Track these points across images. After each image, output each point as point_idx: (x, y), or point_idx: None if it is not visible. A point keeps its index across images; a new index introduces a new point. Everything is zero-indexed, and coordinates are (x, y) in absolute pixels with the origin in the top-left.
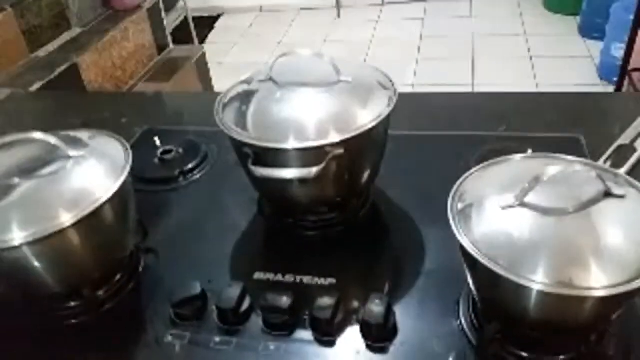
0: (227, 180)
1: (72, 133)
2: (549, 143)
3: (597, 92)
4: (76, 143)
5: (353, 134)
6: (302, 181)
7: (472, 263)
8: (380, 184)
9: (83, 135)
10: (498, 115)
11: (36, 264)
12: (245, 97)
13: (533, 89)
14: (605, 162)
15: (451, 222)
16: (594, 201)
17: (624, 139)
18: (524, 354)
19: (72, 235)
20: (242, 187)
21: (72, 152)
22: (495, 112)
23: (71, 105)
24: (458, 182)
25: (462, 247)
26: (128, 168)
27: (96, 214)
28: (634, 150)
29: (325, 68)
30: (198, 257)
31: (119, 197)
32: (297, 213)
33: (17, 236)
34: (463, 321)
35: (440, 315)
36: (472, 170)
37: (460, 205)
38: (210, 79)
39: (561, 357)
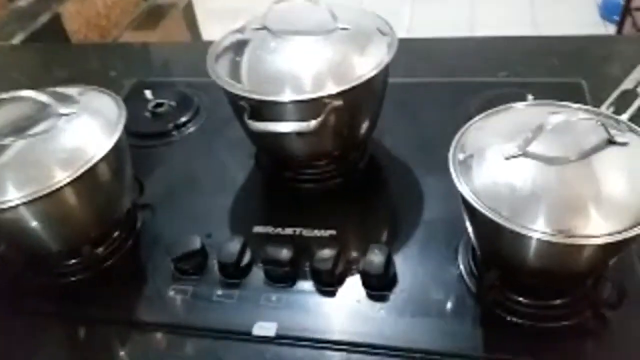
0: (221, 133)
1: (61, 89)
2: (550, 88)
3: (599, 34)
4: (67, 100)
5: (352, 84)
6: (300, 134)
7: (473, 213)
8: (377, 134)
9: (73, 91)
10: (498, 60)
11: (33, 223)
12: (239, 47)
13: (532, 29)
14: (608, 108)
15: (452, 172)
16: (596, 149)
17: (627, 84)
18: (521, 299)
19: (69, 194)
20: (237, 140)
21: (64, 110)
22: (494, 57)
23: (57, 58)
24: (459, 132)
25: (462, 198)
26: (122, 124)
27: (92, 171)
28: (637, 95)
29: (322, 15)
30: (196, 211)
31: (114, 154)
32: (295, 166)
33: (13, 196)
34: (462, 268)
35: (439, 263)
36: (473, 120)
37: (461, 156)
38: (198, 27)
39: (557, 301)
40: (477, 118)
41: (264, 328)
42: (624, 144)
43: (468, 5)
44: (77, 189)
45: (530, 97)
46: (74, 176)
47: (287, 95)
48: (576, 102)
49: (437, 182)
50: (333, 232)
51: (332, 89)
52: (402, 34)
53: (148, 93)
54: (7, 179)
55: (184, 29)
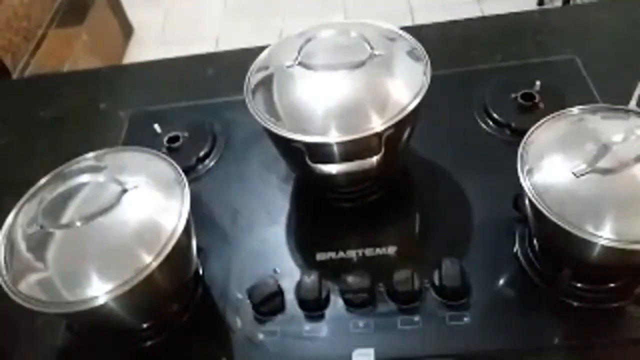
0: (246, 159)
1: (105, 154)
2: (548, 69)
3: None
4: (119, 169)
5: (403, 114)
6: None
7: (547, 223)
8: None
9: (116, 157)
10: (485, 43)
11: (120, 311)
12: (274, 88)
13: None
14: (638, 104)
15: (526, 189)
16: None
17: None
18: (583, 285)
19: (157, 275)
20: (264, 164)
21: (124, 182)
22: (480, 40)
23: (31, 94)
24: (522, 143)
25: (535, 209)
26: (187, 187)
27: (175, 248)
28: None
29: (355, 43)
30: (252, 248)
31: (186, 222)
32: (339, 190)
33: (101, 291)
34: (524, 264)
35: (502, 264)
36: (531, 130)
37: (526, 167)
38: (125, 13)
39: (614, 284)
40: (532, 129)
41: (364, 355)
42: None
43: None
44: (163, 268)
45: (537, 83)
46: (161, 258)
47: (344, 134)
48: (575, 79)
49: (475, 182)
50: (394, 248)
51: (385, 121)
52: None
53: (157, 127)
54: (90, 270)
55: (111, 18)
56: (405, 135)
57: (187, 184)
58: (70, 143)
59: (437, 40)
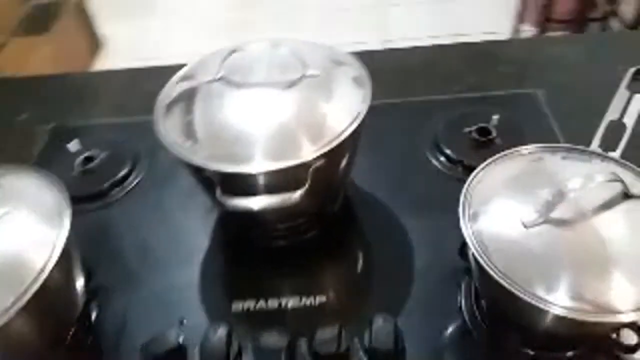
0: (170, 185)
1: None
2: (509, 102)
3: (539, 37)
4: None
5: (334, 143)
6: None
7: (485, 275)
8: None
9: None
10: (444, 73)
11: None
12: (191, 104)
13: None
14: (600, 145)
15: (467, 238)
16: (612, 204)
17: (612, 114)
18: (533, 352)
19: (18, 322)
20: (188, 191)
21: None
22: (439, 69)
23: None
24: (466, 185)
25: (479, 265)
26: (68, 219)
27: (42, 290)
28: (624, 126)
29: (287, 60)
30: (159, 290)
31: (63, 257)
32: (267, 226)
33: None
34: (469, 324)
35: (444, 321)
36: (477, 170)
37: (470, 212)
38: (93, 26)
39: (570, 352)
40: (480, 167)
41: None
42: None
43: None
44: (29, 313)
45: (495, 117)
46: (24, 300)
47: (264, 164)
48: (536, 115)
49: (418, 221)
50: (323, 298)
51: (313, 150)
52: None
53: (73, 145)
54: None
55: (78, 30)
56: (340, 167)
57: (69, 212)
58: None
59: (392, 67)
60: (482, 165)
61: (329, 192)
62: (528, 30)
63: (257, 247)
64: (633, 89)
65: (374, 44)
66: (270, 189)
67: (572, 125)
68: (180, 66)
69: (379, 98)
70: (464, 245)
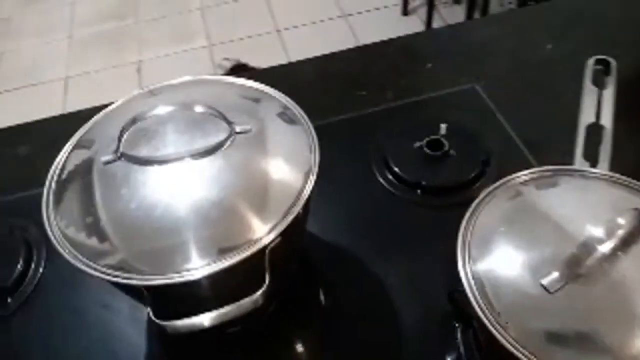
0: (79, 280)
1: None
2: (451, 102)
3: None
4: None
5: (295, 210)
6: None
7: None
8: None
9: None
10: (370, 79)
11: None
12: (91, 189)
13: (337, 16)
14: (585, 156)
15: (474, 305)
16: (632, 243)
17: (586, 116)
18: None
19: None
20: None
21: None
22: (364, 76)
23: None
24: (461, 231)
25: (483, 326)
26: None
27: None
28: (602, 128)
29: (202, 117)
30: None
31: None
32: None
33: None
34: None
35: None
36: (471, 208)
37: (471, 269)
38: None
39: None
40: (475, 204)
41: None
42: None
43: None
44: None
45: (443, 126)
46: None
47: (207, 262)
48: (481, 111)
49: (391, 264)
50: None
51: (268, 231)
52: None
53: None
54: None
55: None
56: (298, 234)
57: None
58: None
59: (313, 81)
60: (474, 204)
61: (287, 265)
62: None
63: (203, 338)
64: (599, 84)
65: (268, 42)
66: (220, 292)
67: (519, 117)
68: (53, 122)
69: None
70: (454, 291)
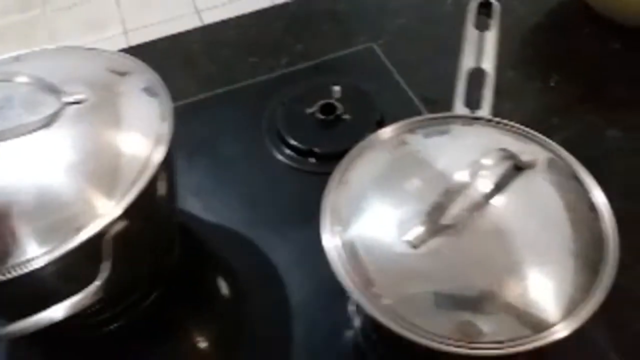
0: None
1: None
2: (346, 65)
3: None
4: None
5: (136, 191)
6: None
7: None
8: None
9: None
10: (267, 45)
11: None
12: None
13: None
14: (466, 103)
15: (343, 280)
16: (504, 187)
17: (467, 60)
18: None
19: None
20: None
21: None
22: (261, 41)
23: None
24: (326, 192)
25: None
26: None
27: None
28: (484, 72)
29: (31, 91)
30: None
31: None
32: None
33: None
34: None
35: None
36: (337, 171)
37: (338, 241)
38: None
39: None
40: (342, 166)
41: None
42: (530, 165)
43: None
44: None
45: (336, 88)
46: None
47: (35, 250)
48: (379, 73)
49: (284, 241)
50: None
51: (110, 210)
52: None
53: None
54: None
55: None
56: (157, 214)
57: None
58: None
59: (204, 51)
60: (340, 165)
61: (151, 253)
62: None
63: (83, 338)
64: (481, 27)
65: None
66: (54, 286)
67: (423, 78)
68: None
69: (196, 93)
70: None
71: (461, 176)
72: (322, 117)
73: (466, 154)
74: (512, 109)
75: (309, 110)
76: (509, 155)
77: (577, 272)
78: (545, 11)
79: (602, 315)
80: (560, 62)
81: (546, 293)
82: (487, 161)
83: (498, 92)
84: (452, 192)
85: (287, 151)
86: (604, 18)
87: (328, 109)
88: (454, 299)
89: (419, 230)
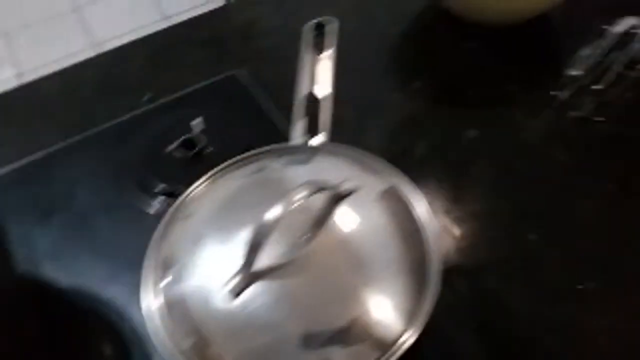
0: None
1: None
2: (209, 96)
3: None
4: None
5: None
6: None
7: None
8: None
9: None
10: (126, 83)
11: None
12: None
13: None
14: (307, 130)
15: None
16: (324, 221)
17: (305, 86)
18: None
19: None
20: None
21: None
22: (120, 79)
23: None
24: (154, 237)
25: None
26: None
27: None
28: (316, 99)
29: None
30: None
31: None
32: None
33: None
34: None
35: None
36: (169, 214)
37: (166, 292)
38: None
39: None
40: (175, 206)
41: None
42: (351, 192)
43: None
44: None
45: (195, 122)
46: None
47: None
48: (243, 101)
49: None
50: None
51: None
52: None
53: None
54: None
55: None
56: None
57: None
58: None
59: (59, 97)
60: (171, 209)
61: None
62: None
63: None
64: (317, 49)
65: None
66: None
67: (288, 102)
68: None
69: (51, 143)
70: None
71: (273, 214)
72: (181, 154)
73: (282, 189)
74: (376, 125)
75: (170, 148)
76: (321, 190)
77: (408, 284)
78: (406, 20)
79: None
80: (421, 68)
81: (385, 312)
82: (295, 196)
83: (360, 110)
84: (263, 233)
85: (158, 200)
86: (462, 21)
87: (188, 144)
88: (298, 341)
89: (235, 279)
